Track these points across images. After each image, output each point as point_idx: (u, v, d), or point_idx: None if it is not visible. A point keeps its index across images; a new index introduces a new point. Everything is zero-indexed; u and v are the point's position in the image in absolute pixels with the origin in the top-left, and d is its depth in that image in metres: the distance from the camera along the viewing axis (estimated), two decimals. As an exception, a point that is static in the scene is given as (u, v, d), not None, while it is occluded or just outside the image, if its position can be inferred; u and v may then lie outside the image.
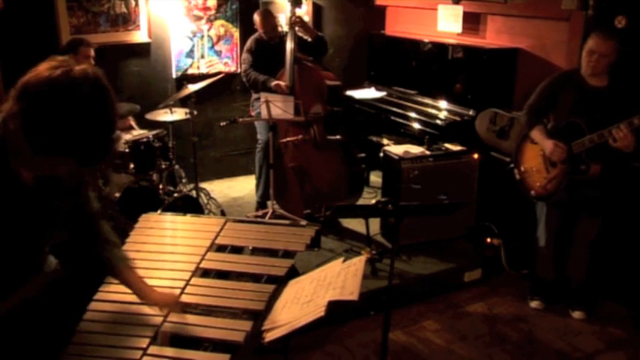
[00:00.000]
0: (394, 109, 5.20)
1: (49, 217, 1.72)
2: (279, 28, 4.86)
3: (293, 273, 2.31)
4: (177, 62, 5.24)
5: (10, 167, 1.54)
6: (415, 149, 4.27)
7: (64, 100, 1.42)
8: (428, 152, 4.23)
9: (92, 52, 4.14)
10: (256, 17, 4.63)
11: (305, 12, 5.62)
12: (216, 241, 2.46)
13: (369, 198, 4.96)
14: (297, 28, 4.52)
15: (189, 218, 2.71)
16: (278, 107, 4.14)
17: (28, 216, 1.64)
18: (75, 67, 1.47)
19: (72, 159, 1.50)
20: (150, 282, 2.08)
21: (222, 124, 4.36)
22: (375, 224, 4.31)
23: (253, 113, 4.78)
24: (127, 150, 4.01)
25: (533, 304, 3.77)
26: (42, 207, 1.67)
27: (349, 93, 5.44)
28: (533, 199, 3.60)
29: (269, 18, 4.62)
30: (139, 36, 5.04)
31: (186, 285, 2.17)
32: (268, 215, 4.38)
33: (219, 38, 5.39)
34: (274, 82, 4.42)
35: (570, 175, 3.36)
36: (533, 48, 4.59)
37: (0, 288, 1.66)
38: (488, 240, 4.16)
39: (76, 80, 1.44)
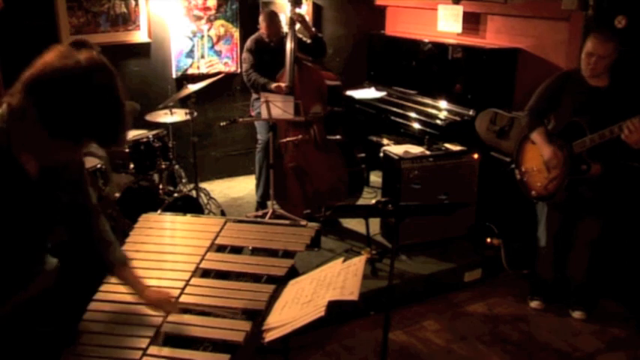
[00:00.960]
0: (394, 109, 5.20)
1: (51, 209, 1.74)
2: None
3: (293, 273, 2.31)
4: (177, 62, 5.24)
5: (16, 159, 1.58)
6: (415, 149, 4.27)
7: (80, 86, 1.49)
8: (428, 152, 4.23)
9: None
10: (262, 19, 4.61)
11: (305, 12, 5.62)
12: (216, 241, 2.46)
13: (369, 198, 4.96)
14: (296, 28, 4.52)
15: (189, 218, 2.71)
16: (278, 107, 4.14)
17: (32, 208, 1.66)
18: (82, 55, 1.55)
19: (91, 140, 1.59)
20: (150, 282, 2.08)
21: (222, 124, 4.36)
22: (375, 224, 4.31)
23: (253, 113, 4.78)
24: (127, 150, 4.01)
25: (533, 304, 3.77)
26: (45, 199, 1.70)
27: (349, 93, 5.44)
28: (534, 200, 3.60)
29: (275, 21, 4.61)
30: (139, 36, 5.04)
31: (186, 285, 2.17)
32: (268, 215, 4.38)
33: (219, 38, 5.39)
34: (274, 85, 4.42)
35: (571, 175, 3.36)
36: (533, 48, 4.59)
37: (3, 282, 1.67)
38: (488, 240, 4.16)
39: (86, 67, 1.52)
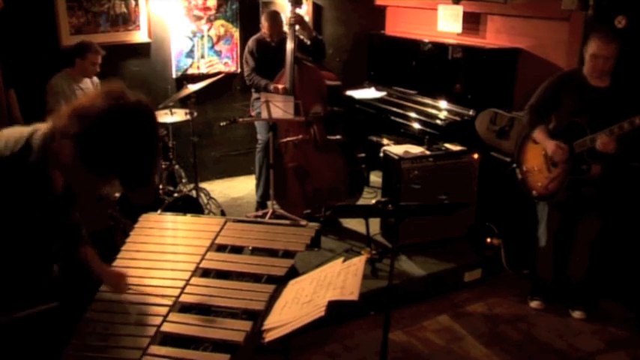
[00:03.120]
0: (394, 109, 5.20)
1: (65, 221, 1.83)
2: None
3: (293, 273, 2.31)
4: (177, 62, 5.24)
5: (49, 177, 1.66)
6: (415, 149, 4.27)
7: (121, 127, 1.56)
8: (428, 152, 4.23)
9: (99, 60, 4.14)
10: (265, 19, 4.61)
11: (305, 12, 5.62)
12: (216, 241, 2.46)
13: (369, 198, 4.96)
14: (296, 29, 4.52)
15: (189, 218, 2.71)
16: (278, 107, 4.14)
17: (47, 220, 1.72)
18: (130, 97, 1.61)
19: (118, 180, 1.65)
20: (150, 282, 2.09)
21: (222, 124, 4.36)
22: (375, 224, 4.31)
23: (253, 113, 4.78)
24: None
25: (533, 304, 3.77)
26: (59, 212, 1.78)
27: (349, 93, 5.44)
28: (535, 199, 3.60)
29: (278, 21, 4.61)
30: (139, 36, 5.04)
31: (186, 285, 2.17)
32: (268, 215, 4.38)
33: (219, 38, 5.39)
34: (272, 85, 4.42)
35: (572, 175, 3.36)
36: (533, 48, 4.59)
37: (11, 289, 1.69)
38: (488, 240, 4.16)
39: (131, 110, 1.59)
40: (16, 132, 1.66)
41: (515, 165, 3.69)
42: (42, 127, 1.65)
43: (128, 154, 1.58)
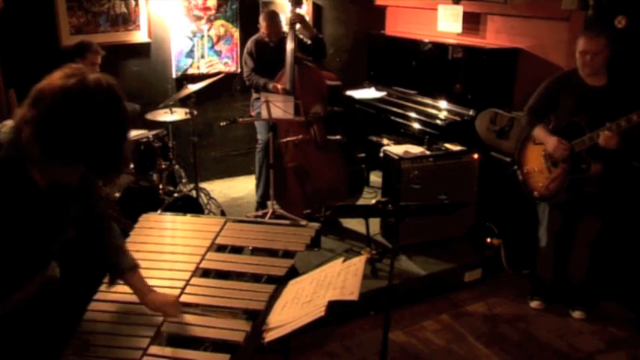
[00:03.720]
0: (394, 109, 5.20)
1: (60, 220, 1.74)
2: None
3: (293, 273, 2.31)
4: (177, 62, 5.24)
5: (26, 171, 1.55)
6: (415, 149, 4.27)
7: (78, 108, 1.43)
8: (428, 152, 4.23)
9: (99, 60, 4.14)
10: (263, 19, 4.60)
11: (305, 12, 5.62)
12: (216, 241, 2.46)
13: (369, 198, 4.96)
14: (297, 28, 4.52)
15: (189, 218, 2.71)
16: (278, 107, 4.14)
17: (40, 219, 1.64)
18: (89, 76, 1.49)
19: (83, 167, 1.53)
20: (150, 282, 2.09)
21: (222, 124, 4.36)
22: (375, 224, 4.31)
23: (253, 113, 4.78)
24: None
25: (533, 304, 3.77)
26: (54, 210, 1.68)
27: (349, 93, 5.44)
28: (536, 200, 3.60)
29: (276, 21, 4.61)
30: (139, 36, 5.04)
31: (186, 285, 2.17)
32: (268, 215, 4.38)
33: (219, 38, 5.39)
34: (271, 85, 4.42)
35: (572, 175, 3.36)
36: (533, 48, 4.59)
37: (6, 288, 1.67)
38: (488, 240, 4.16)
39: (90, 89, 1.46)
40: None
41: (515, 167, 3.69)
42: (10, 122, 1.54)
43: (89, 137, 1.44)
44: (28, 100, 1.47)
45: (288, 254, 2.40)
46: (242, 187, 5.54)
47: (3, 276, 1.64)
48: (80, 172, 1.60)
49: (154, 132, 4.21)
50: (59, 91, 1.44)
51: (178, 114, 4.43)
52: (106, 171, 1.56)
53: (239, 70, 5.44)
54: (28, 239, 1.64)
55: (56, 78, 1.48)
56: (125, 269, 1.96)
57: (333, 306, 1.84)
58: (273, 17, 4.61)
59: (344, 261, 2.17)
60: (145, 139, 4.10)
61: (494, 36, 4.93)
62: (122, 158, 1.55)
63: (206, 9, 5.27)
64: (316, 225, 2.61)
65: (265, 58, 4.61)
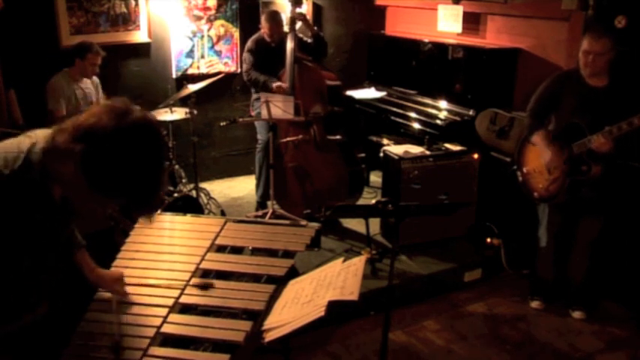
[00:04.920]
0: (394, 109, 5.20)
1: (64, 231, 1.80)
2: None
3: (293, 273, 2.31)
4: (177, 62, 5.24)
5: (49, 191, 1.62)
6: (415, 149, 4.27)
7: (128, 147, 1.49)
8: (428, 152, 4.23)
9: (99, 61, 4.14)
10: (265, 19, 4.59)
11: (305, 12, 5.62)
12: (216, 242, 2.46)
13: (369, 198, 4.96)
14: (297, 28, 4.51)
15: (189, 218, 2.71)
16: (278, 107, 4.14)
17: (50, 229, 1.70)
18: (135, 113, 1.54)
19: (124, 201, 1.59)
20: (150, 282, 2.09)
21: (222, 124, 4.36)
22: (375, 224, 4.31)
23: (253, 113, 4.78)
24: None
25: (533, 304, 3.77)
26: (63, 222, 1.75)
27: (349, 93, 5.44)
28: (536, 201, 3.60)
29: (278, 21, 4.60)
30: (139, 36, 5.04)
31: (186, 285, 2.17)
32: (268, 215, 4.38)
33: (219, 38, 5.39)
34: (276, 84, 4.42)
35: (572, 176, 3.36)
36: (533, 48, 4.59)
37: (9, 298, 1.68)
38: (488, 240, 4.16)
39: (138, 128, 1.52)
40: (14, 146, 1.59)
41: (515, 167, 3.69)
42: (40, 139, 1.59)
43: (136, 174, 1.51)
44: (71, 130, 1.50)
45: (288, 254, 2.40)
46: (242, 187, 5.54)
47: (10, 286, 1.66)
48: (117, 206, 1.69)
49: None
50: (112, 129, 1.48)
51: (178, 114, 4.43)
52: (146, 204, 1.61)
53: (239, 70, 5.44)
54: (33, 251, 1.67)
55: (106, 114, 1.51)
56: (77, 248, 2.02)
57: (333, 306, 1.84)
58: (275, 17, 4.60)
59: (344, 261, 2.16)
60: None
61: (494, 36, 4.93)
62: (161, 191, 1.62)
63: (206, 9, 5.27)
64: (316, 225, 2.61)
65: (265, 58, 4.61)
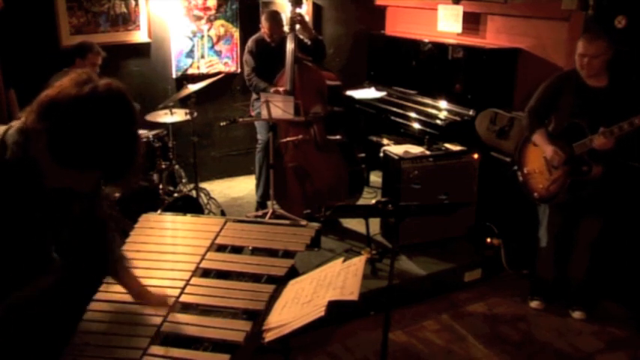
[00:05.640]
0: (394, 109, 5.20)
1: (61, 218, 1.75)
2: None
3: (293, 273, 2.31)
4: (177, 62, 5.24)
5: (34, 172, 1.56)
6: (415, 149, 4.27)
7: (93, 117, 1.45)
8: (428, 152, 4.23)
9: (100, 61, 4.14)
10: (265, 19, 4.59)
11: (305, 12, 5.62)
12: (216, 241, 2.46)
13: (369, 198, 4.96)
14: (297, 28, 4.52)
15: (189, 218, 2.71)
16: (278, 107, 4.14)
17: (44, 216, 1.66)
18: (100, 83, 1.51)
19: (98, 173, 1.56)
20: (150, 282, 2.09)
21: (222, 124, 4.36)
22: (375, 224, 4.31)
23: (253, 113, 4.78)
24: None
25: (533, 304, 3.77)
26: (58, 209, 1.70)
27: (349, 93, 5.44)
28: (537, 201, 3.60)
29: (278, 21, 4.60)
30: (139, 36, 5.05)
31: (186, 285, 2.17)
32: (268, 215, 4.38)
33: (219, 38, 5.39)
34: (272, 89, 4.41)
35: (572, 176, 3.36)
36: (533, 48, 4.59)
37: (4, 287, 1.67)
38: (488, 240, 4.16)
39: (103, 96, 1.48)
40: None
41: (516, 167, 3.69)
42: (16, 123, 1.56)
43: (105, 143, 1.47)
44: (36, 108, 1.48)
45: (288, 254, 2.40)
46: (242, 187, 5.54)
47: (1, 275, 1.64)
48: (94, 179, 1.63)
49: (154, 132, 4.22)
50: (74, 101, 1.45)
51: (178, 115, 4.44)
52: (122, 174, 1.58)
53: (239, 70, 5.44)
54: (26, 238, 1.64)
55: (67, 86, 1.48)
56: (117, 267, 2.00)
57: (333, 306, 1.84)
58: (276, 17, 4.60)
59: (344, 261, 2.17)
60: (144, 140, 4.10)
61: (494, 36, 4.93)
62: (136, 160, 1.58)
63: (206, 9, 5.27)
64: (316, 225, 2.61)
65: (266, 57, 4.61)
